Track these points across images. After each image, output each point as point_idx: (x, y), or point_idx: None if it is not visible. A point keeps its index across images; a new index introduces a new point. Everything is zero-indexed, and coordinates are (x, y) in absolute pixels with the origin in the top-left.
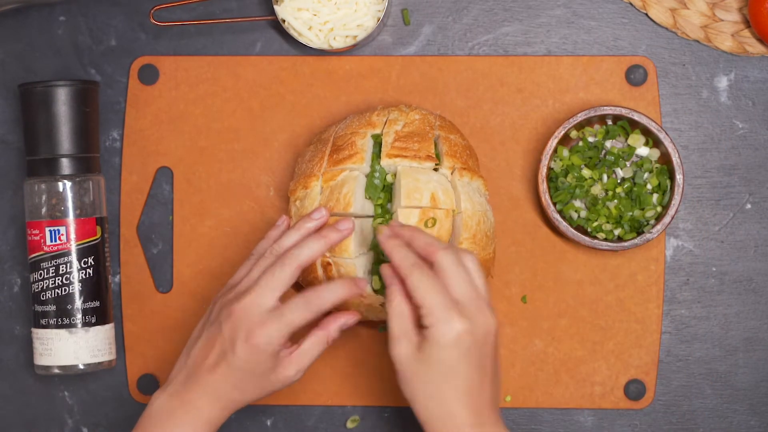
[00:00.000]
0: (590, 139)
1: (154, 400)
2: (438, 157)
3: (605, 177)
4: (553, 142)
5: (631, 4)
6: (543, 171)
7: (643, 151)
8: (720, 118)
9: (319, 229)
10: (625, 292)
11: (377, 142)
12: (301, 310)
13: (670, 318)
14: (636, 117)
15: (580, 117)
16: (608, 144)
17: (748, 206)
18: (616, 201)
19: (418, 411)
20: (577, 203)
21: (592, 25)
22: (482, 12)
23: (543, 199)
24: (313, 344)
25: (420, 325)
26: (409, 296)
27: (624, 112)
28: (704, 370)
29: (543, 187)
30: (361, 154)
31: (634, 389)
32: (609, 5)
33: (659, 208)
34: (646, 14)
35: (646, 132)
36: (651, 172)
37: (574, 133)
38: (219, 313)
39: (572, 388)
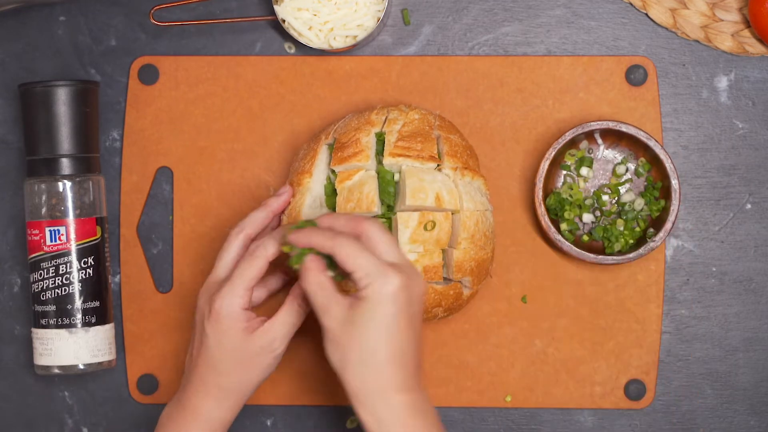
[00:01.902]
0: (571, 163)
1: (162, 413)
2: (440, 157)
3: (605, 196)
4: (545, 164)
5: (631, 4)
6: (539, 194)
7: (629, 197)
8: (720, 118)
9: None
10: (625, 292)
11: (380, 140)
12: (246, 263)
13: (670, 318)
14: (624, 128)
15: (569, 136)
16: (607, 155)
17: (748, 206)
18: (611, 219)
19: (348, 378)
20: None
21: (592, 25)
22: (482, 12)
23: (543, 222)
24: (285, 312)
25: (351, 290)
26: (325, 270)
27: (611, 125)
28: (704, 370)
29: (541, 210)
30: (366, 152)
31: (634, 389)
32: (609, 5)
33: (654, 214)
34: (646, 14)
35: (636, 141)
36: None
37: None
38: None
39: (572, 388)
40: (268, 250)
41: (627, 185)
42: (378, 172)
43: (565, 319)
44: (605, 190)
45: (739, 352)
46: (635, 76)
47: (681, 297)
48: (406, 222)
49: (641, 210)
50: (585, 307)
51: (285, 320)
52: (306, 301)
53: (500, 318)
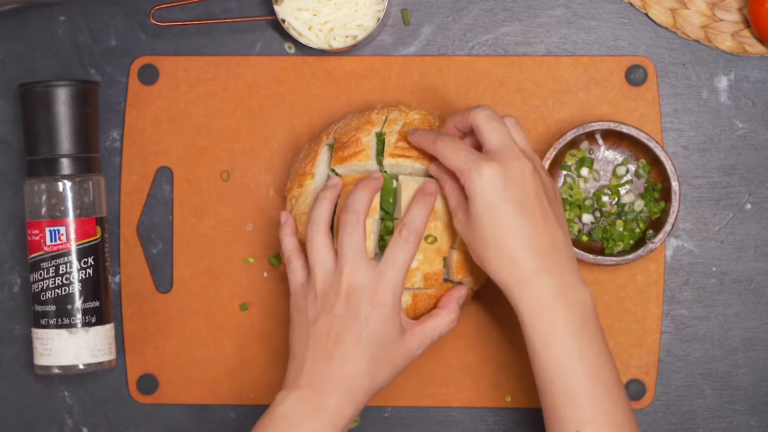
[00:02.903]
0: (569, 163)
1: (279, 403)
2: None
3: (605, 198)
4: (545, 164)
5: (631, 4)
6: None
7: (629, 198)
8: (720, 118)
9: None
10: (625, 292)
11: (380, 140)
12: (400, 247)
13: (670, 318)
14: (624, 129)
15: (569, 136)
16: (607, 155)
17: (748, 206)
18: (611, 220)
19: (490, 272)
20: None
21: (592, 25)
22: (482, 12)
23: None
24: (441, 317)
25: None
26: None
27: (612, 125)
28: (704, 370)
29: None
30: (367, 152)
31: (634, 389)
32: (609, 5)
33: (652, 216)
34: (646, 14)
35: (636, 142)
36: (644, 193)
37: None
38: (322, 304)
39: None
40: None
41: (627, 186)
42: (384, 182)
43: None
44: (605, 191)
45: (739, 352)
46: (635, 76)
47: (681, 297)
48: None
49: (641, 211)
50: None
51: (437, 326)
52: (460, 308)
53: (500, 318)
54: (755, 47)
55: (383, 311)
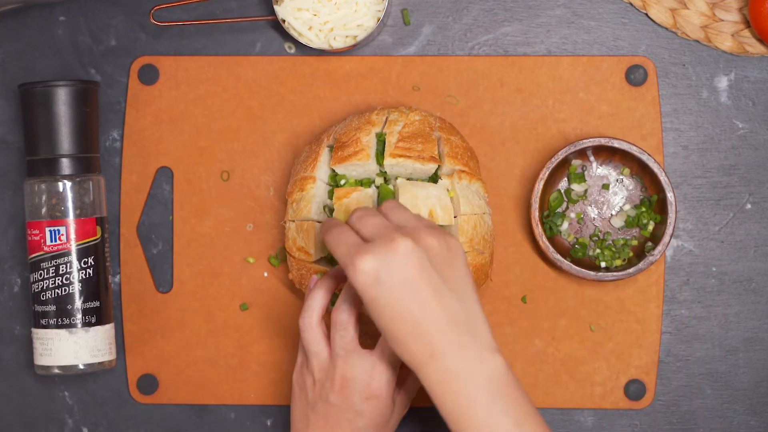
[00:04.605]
0: (561, 187)
1: None
2: (440, 158)
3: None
4: (539, 185)
5: (631, 4)
6: (535, 214)
7: (623, 212)
8: (720, 118)
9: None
10: (625, 292)
11: (380, 140)
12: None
13: (670, 318)
14: (616, 144)
15: (562, 155)
16: (600, 171)
17: (748, 206)
18: (610, 234)
19: (399, 356)
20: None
21: (592, 25)
22: (482, 12)
23: (541, 242)
24: (416, 379)
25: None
26: None
27: (603, 141)
28: (704, 370)
29: (538, 230)
30: (367, 151)
31: (634, 389)
32: (609, 5)
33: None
34: (646, 14)
35: (629, 155)
36: (639, 206)
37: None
38: (319, 392)
39: (572, 388)
40: None
41: (622, 199)
42: (379, 191)
43: (565, 319)
44: (599, 205)
45: (739, 352)
46: (635, 76)
47: (681, 297)
48: None
49: (630, 220)
50: (585, 307)
51: (415, 386)
52: None
53: (500, 318)
54: (755, 47)
55: (377, 402)
